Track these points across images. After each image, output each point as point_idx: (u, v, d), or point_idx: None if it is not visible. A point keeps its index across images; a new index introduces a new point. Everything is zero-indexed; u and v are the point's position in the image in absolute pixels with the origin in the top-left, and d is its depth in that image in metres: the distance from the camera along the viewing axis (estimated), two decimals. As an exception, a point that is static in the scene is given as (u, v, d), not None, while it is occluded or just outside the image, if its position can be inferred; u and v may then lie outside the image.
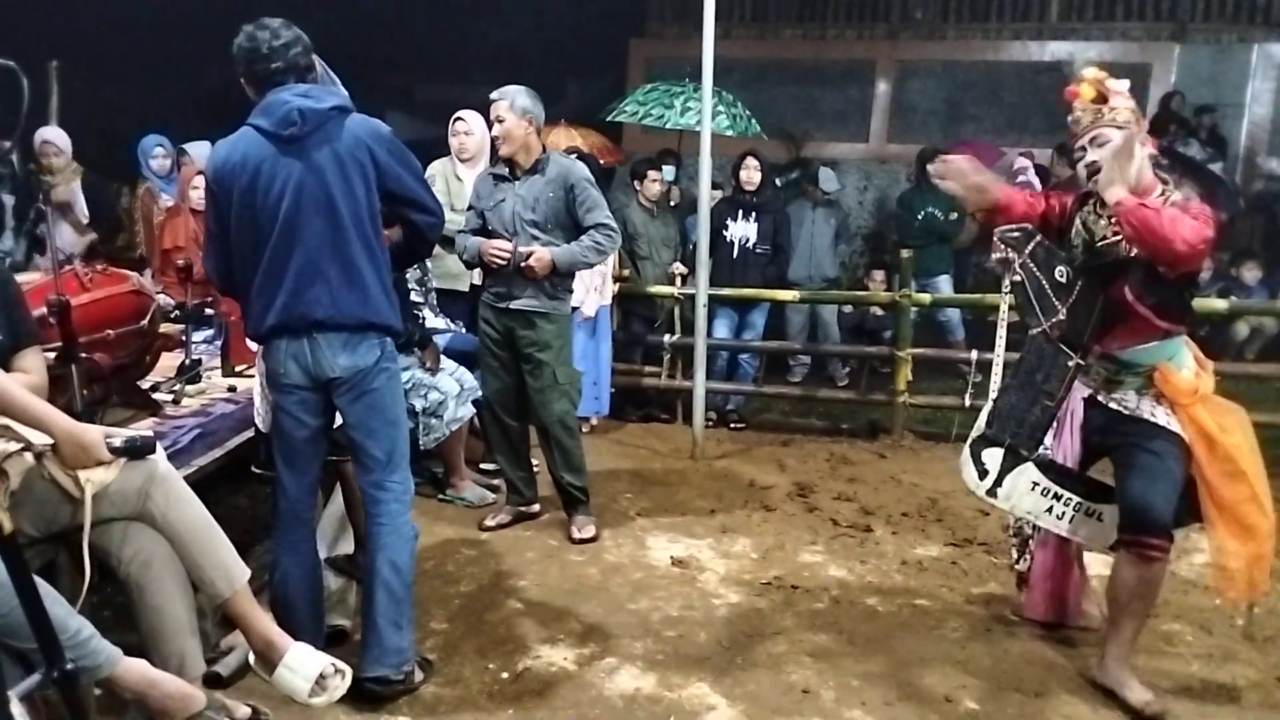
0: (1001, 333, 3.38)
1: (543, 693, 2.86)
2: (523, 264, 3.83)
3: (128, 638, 2.41)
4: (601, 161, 7.76)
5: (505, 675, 2.95)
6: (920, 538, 4.20)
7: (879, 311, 7.14)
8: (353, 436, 2.78)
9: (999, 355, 3.35)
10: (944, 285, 7.26)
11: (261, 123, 2.63)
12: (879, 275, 7.52)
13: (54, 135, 6.11)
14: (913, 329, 5.91)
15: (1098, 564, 3.40)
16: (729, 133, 7.06)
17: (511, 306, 3.95)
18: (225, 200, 2.68)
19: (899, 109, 10.28)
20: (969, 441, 3.16)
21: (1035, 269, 3.01)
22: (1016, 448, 3.06)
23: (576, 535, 4.02)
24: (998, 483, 3.09)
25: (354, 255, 2.64)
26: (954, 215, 7.30)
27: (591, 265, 4.08)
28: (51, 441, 2.23)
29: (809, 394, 6.54)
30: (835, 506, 4.57)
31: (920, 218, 7.35)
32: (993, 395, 3.21)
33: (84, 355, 2.89)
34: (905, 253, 5.89)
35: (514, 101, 3.84)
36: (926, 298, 6.23)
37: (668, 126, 7.07)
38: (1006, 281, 3.16)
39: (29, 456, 2.24)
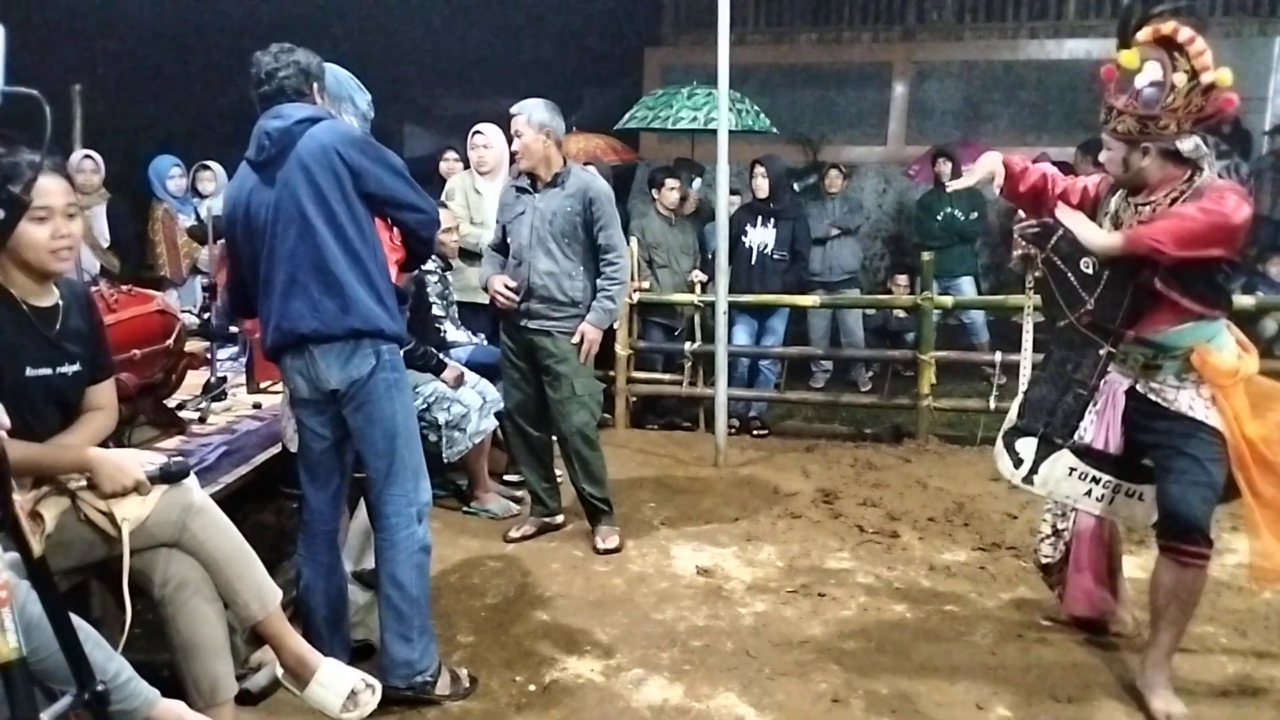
0: (1028, 327, 3.36)
1: (570, 704, 2.85)
2: (578, 344, 3.98)
3: (158, 656, 2.44)
4: (618, 159, 7.82)
5: (532, 687, 2.95)
6: (948, 543, 4.17)
7: (901, 314, 7.10)
8: (357, 447, 2.80)
9: (1026, 350, 3.32)
10: (966, 287, 7.24)
11: (248, 153, 2.72)
12: (903, 279, 7.48)
13: (94, 155, 6.24)
14: (936, 332, 5.88)
15: (1133, 568, 3.36)
16: (756, 128, 7.05)
17: (531, 325, 3.96)
18: (231, 235, 2.79)
19: (916, 110, 10.24)
20: (1001, 433, 3.13)
21: (1059, 263, 2.96)
22: (1050, 436, 3.03)
23: (600, 546, 4.02)
24: (1033, 470, 3.05)
25: (332, 264, 2.63)
26: (974, 215, 7.28)
27: (617, 305, 4.09)
28: (85, 482, 2.28)
29: (832, 399, 6.51)
30: (861, 512, 4.54)
31: (940, 219, 7.34)
32: (1022, 388, 3.18)
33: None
34: (926, 255, 5.86)
35: (531, 116, 3.85)
36: (949, 300, 6.20)
37: (671, 126, 7.07)
38: (1029, 278, 3.13)
39: (63, 497, 2.29)
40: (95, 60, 9.32)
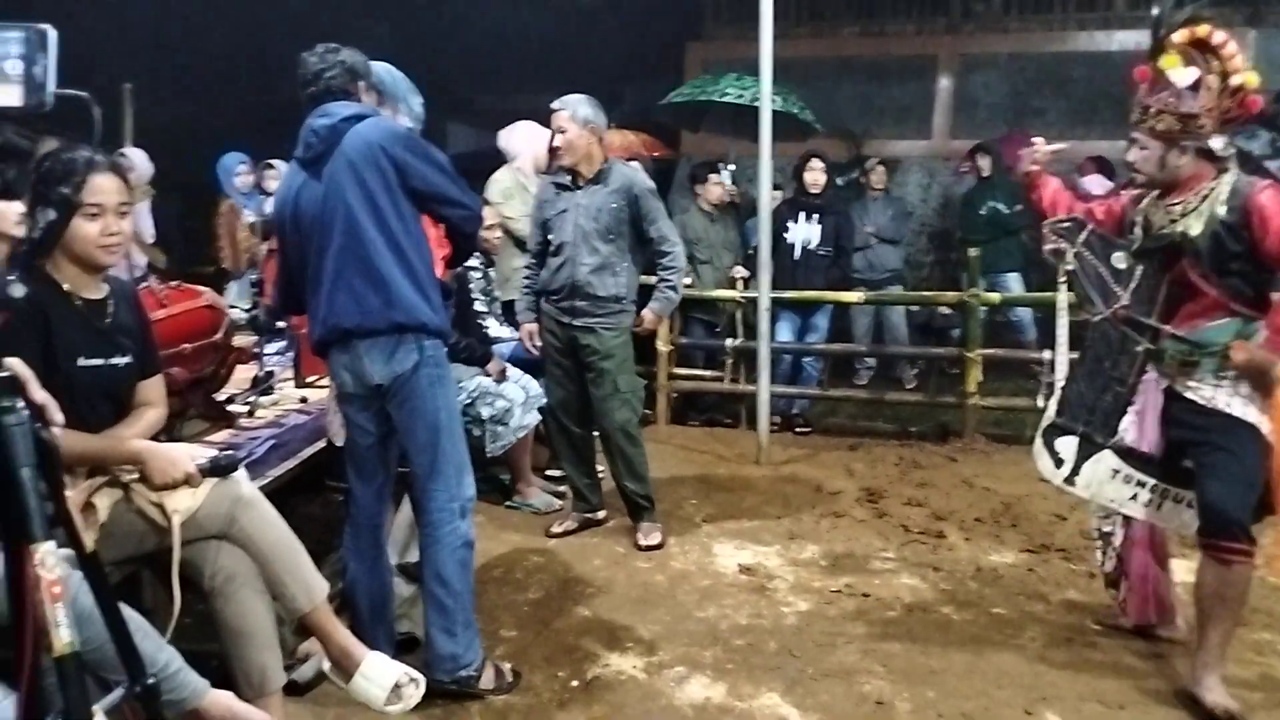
0: (1063, 321, 3.31)
1: (612, 701, 2.85)
2: (638, 329, 4.08)
3: (209, 646, 2.47)
4: (655, 155, 7.79)
5: (575, 683, 2.95)
6: (995, 544, 4.10)
7: (946, 311, 7.01)
8: (401, 443, 2.82)
9: (1061, 345, 3.28)
10: (1013, 283, 7.13)
11: (296, 151, 2.74)
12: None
13: (132, 155, 6.31)
14: (983, 329, 5.80)
15: (1184, 573, 3.28)
16: (815, 125, 6.97)
17: (575, 323, 3.97)
18: (281, 232, 2.82)
19: (962, 104, 10.08)
20: (1040, 430, 3.10)
21: (1091, 257, 2.95)
22: (1090, 435, 2.99)
23: (643, 542, 4.01)
24: (1075, 471, 3.02)
25: (377, 260, 2.64)
26: (1019, 208, 7.15)
27: (679, 294, 4.16)
28: (137, 474, 2.31)
29: (876, 396, 6.45)
30: (906, 512, 4.49)
31: (984, 213, 7.23)
32: (1059, 384, 3.14)
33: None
34: (972, 251, 5.77)
35: (576, 111, 3.85)
36: (995, 296, 6.10)
37: (716, 99, 6.99)
38: (1062, 272, 3.10)
39: (116, 489, 2.33)
40: (145, 59, 9.48)
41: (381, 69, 2.95)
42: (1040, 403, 5.43)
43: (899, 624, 3.36)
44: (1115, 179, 7.19)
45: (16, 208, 3.32)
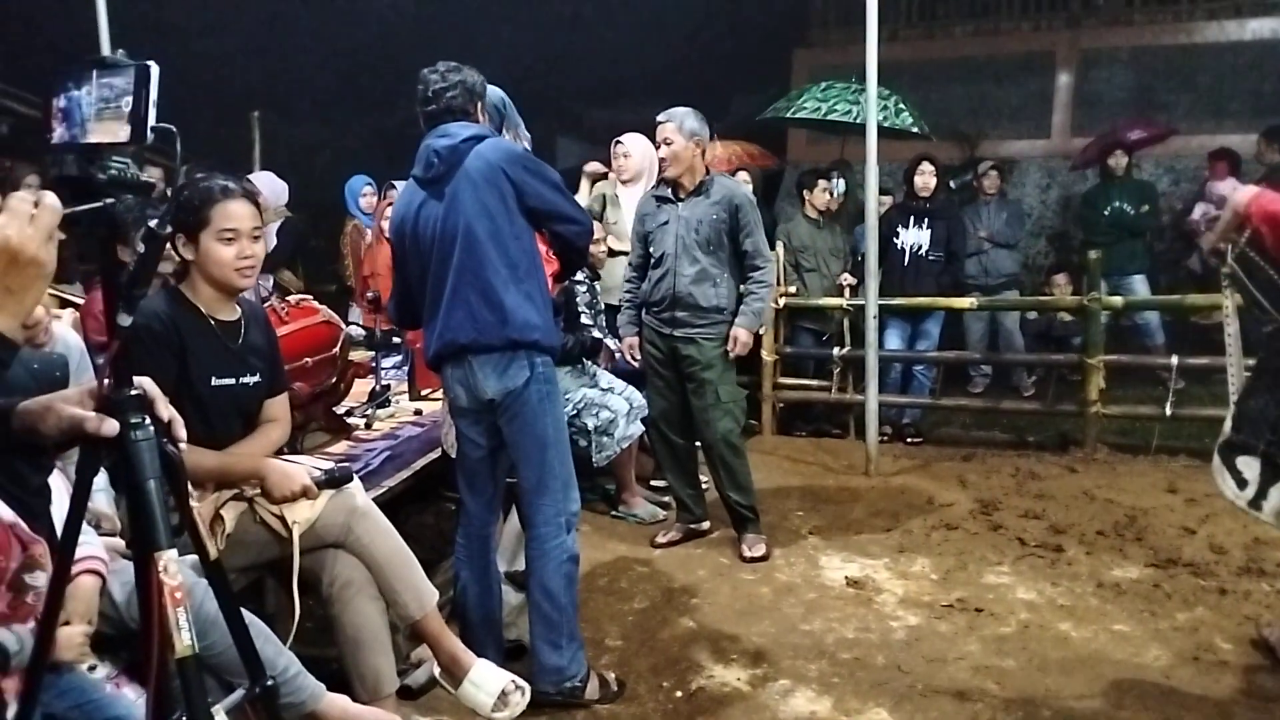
0: (1230, 329, 3.02)
1: (717, 713, 2.85)
2: (731, 351, 4.00)
3: (327, 650, 2.59)
4: (761, 166, 7.76)
5: (679, 694, 2.96)
6: (1118, 558, 3.94)
7: (1066, 317, 6.75)
8: (511, 457, 2.88)
9: (1232, 354, 3.02)
10: (1139, 286, 6.83)
11: (415, 171, 2.82)
12: (1061, 278, 7.11)
13: (259, 180, 6.62)
14: (1105, 334, 5.57)
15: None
16: (914, 129, 6.87)
17: (676, 333, 4.01)
18: (400, 249, 2.90)
19: (1082, 101, 9.73)
20: (1218, 447, 2.85)
21: (1255, 257, 2.68)
22: (1273, 456, 2.74)
23: (747, 554, 4.00)
24: (1261, 494, 2.77)
25: (493, 277, 2.70)
26: (1144, 208, 6.86)
27: (765, 308, 4.17)
28: (259, 489, 2.46)
29: (991, 405, 6.26)
30: (1022, 524, 4.34)
31: (1107, 214, 6.95)
32: (1233, 397, 2.91)
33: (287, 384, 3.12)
34: (1093, 253, 5.55)
35: (682, 124, 3.88)
36: (1118, 300, 5.85)
37: (858, 121, 6.91)
38: (1222, 275, 2.89)
39: (241, 502, 2.48)
40: (273, 85, 9.98)
41: (496, 93, 3.04)
42: (1168, 411, 5.20)
43: (1013, 640, 3.25)
44: (1241, 175, 6.83)
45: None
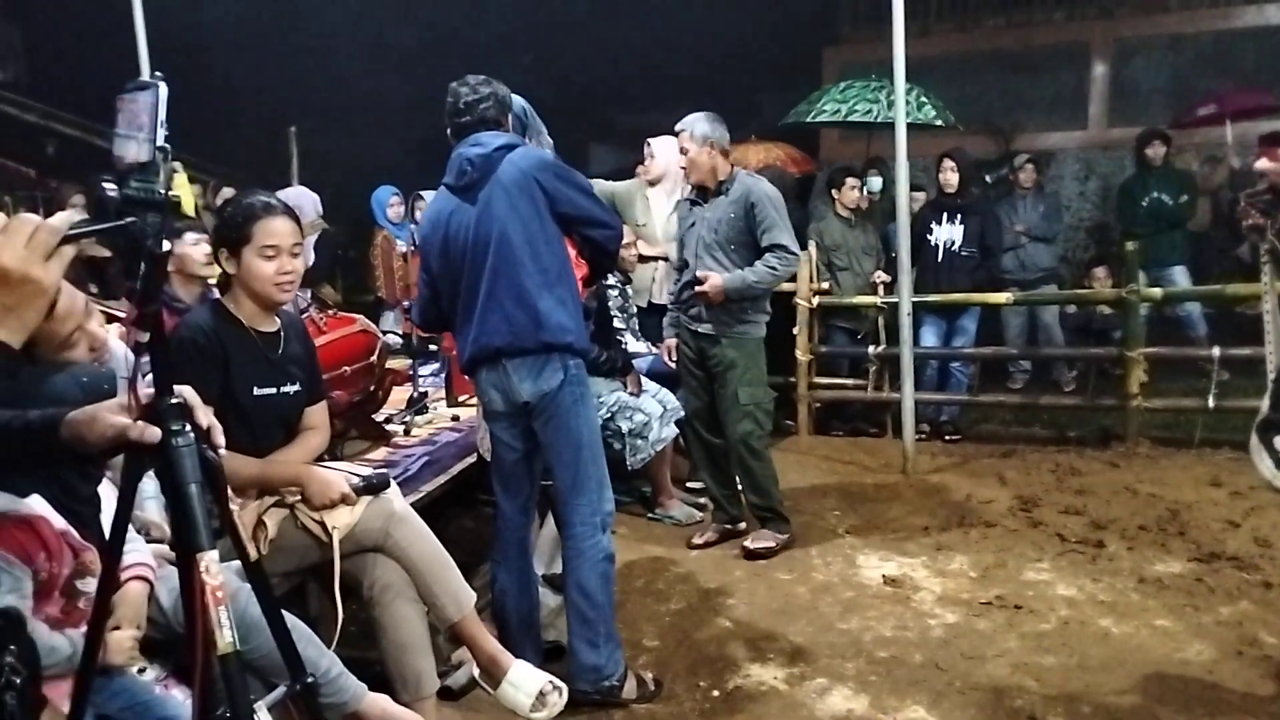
0: (1268, 305, 2.97)
1: (754, 711, 2.86)
2: (696, 289, 3.93)
3: (370, 652, 2.64)
4: (797, 172, 7.75)
5: (716, 693, 2.98)
6: (1160, 553, 3.89)
7: (1106, 310, 6.66)
8: (545, 459, 2.92)
9: (1271, 330, 2.97)
10: (1179, 277, 6.73)
11: (447, 179, 2.88)
12: (1100, 272, 7.03)
13: (291, 194, 6.75)
14: (1146, 326, 5.49)
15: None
16: (937, 122, 6.85)
17: (700, 330, 4.03)
18: (429, 256, 2.95)
19: (1119, 91, 9.61)
20: (1256, 425, 2.82)
21: None
22: None
23: (748, 544, 4.04)
24: None
25: (526, 282, 2.75)
26: (1184, 198, 6.75)
27: (765, 289, 3.99)
28: (299, 496, 2.53)
29: (1030, 401, 6.20)
30: (1062, 520, 4.30)
31: (1145, 204, 6.86)
32: (1271, 375, 2.86)
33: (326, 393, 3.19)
34: (1130, 244, 5.48)
35: (694, 130, 3.94)
36: (1158, 292, 5.76)
37: (878, 119, 6.91)
38: (1262, 253, 2.85)
39: (283, 509, 2.55)
40: (308, 102, 10.15)
41: (518, 102, 3.09)
42: (1211, 403, 5.13)
43: (1053, 637, 3.23)
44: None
45: (204, 249, 3.66)
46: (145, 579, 2.07)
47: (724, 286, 3.89)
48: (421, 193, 6.99)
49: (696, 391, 4.17)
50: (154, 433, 1.34)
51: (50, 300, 1.15)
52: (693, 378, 4.16)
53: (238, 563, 1.59)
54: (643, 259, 5.16)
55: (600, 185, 5.06)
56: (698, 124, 3.94)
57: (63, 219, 1.17)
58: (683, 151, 3.98)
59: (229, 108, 10.93)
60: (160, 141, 1.22)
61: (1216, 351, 5.24)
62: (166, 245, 1.22)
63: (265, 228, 2.50)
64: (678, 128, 4.02)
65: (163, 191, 1.21)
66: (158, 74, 1.25)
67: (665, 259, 5.24)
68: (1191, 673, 2.94)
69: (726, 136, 4.00)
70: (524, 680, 2.67)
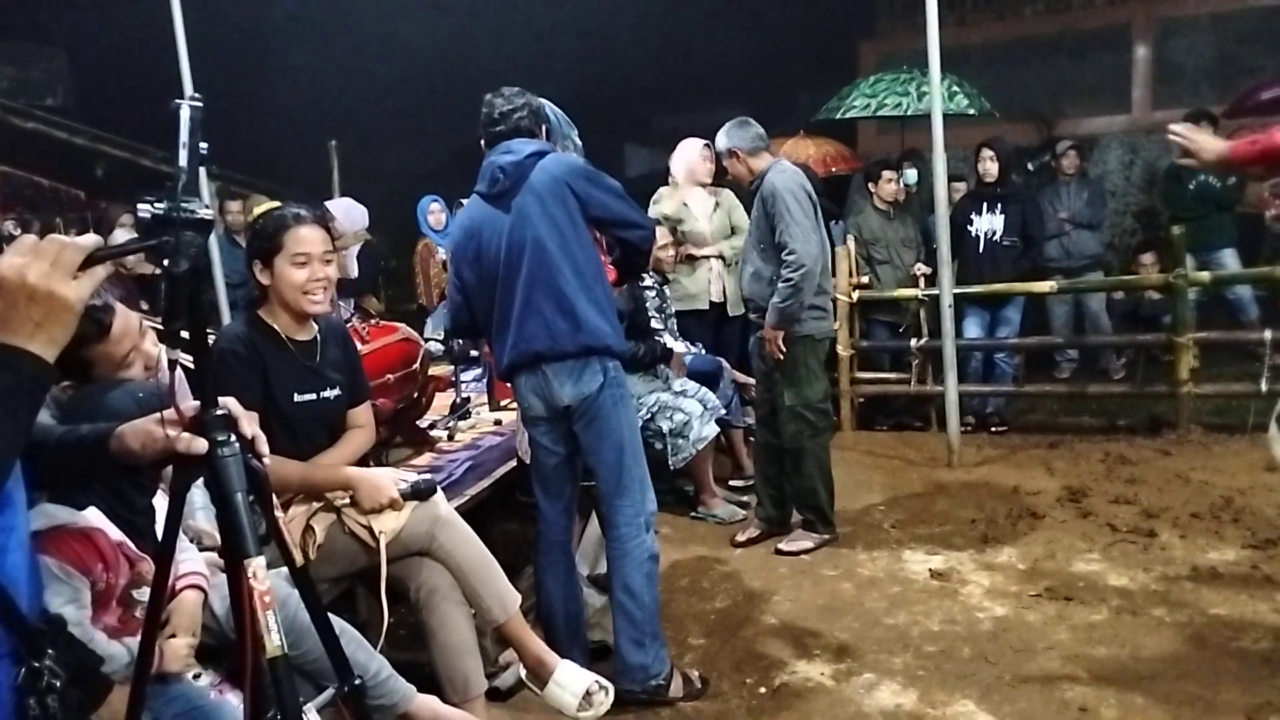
0: None
1: (801, 708, 2.86)
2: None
3: (420, 655, 2.69)
4: (834, 170, 7.71)
5: (763, 690, 2.99)
6: (1214, 541, 3.82)
7: (1155, 295, 6.54)
8: (587, 461, 2.94)
9: None
10: (1229, 259, 6.59)
11: (479, 187, 2.91)
12: (1147, 258, 6.90)
13: (332, 207, 6.81)
14: (1196, 310, 5.39)
15: None
16: (970, 111, 6.78)
17: (755, 333, 4.07)
18: (460, 263, 2.98)
19: (1163, 73, 9.40)
20: (1276, 414, 2.82)
21: None
22: None
23: (781, 546, 4.04)
24: None
25: (564, 286, 2.78)
26: (1232, 180, 6.60)
27: (798, 303, 3.84)
28: (348, 499, 2.56)
29: (1078, 390, 6.11)
30: (1113, 510, 4.24)
31: (1192, 187, 6.73)
32: None
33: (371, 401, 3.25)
34: (1176, 228, 5.38)
35: (718, 143, 4.05)
36: (1206, 276, 5.65)
37: (908, 113, 6.87)
38: None
39: (330, 513, 2.60)
40: (350, 114, 10.32)
41: (546, 107, 3.12)
42: (1264, 387, 5.02)
43: (1104, 628, 3.19)
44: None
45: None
46: (199, 587, 2.13)
47: (772, 327, 3.89)
48: (463, 200, 7.06)
49: (759, 388, 4.23)
50: (200, 444, 1.38)
51: (77, 317, 1.20)
52: (759, 374, 4.22)
53: (286, 569, 1.63)
54: (690, 259, 5.20)
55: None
56: (720, 138, 4.03)
57: (91, 239, 1.21)
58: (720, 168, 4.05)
59: (272, 123, 11.13)
60: (184, 162, 1.26)
61: (1268, 334, 5.12)
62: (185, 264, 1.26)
63: (296, 236, 2.55)
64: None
65: (192, 210, 1.25)
66: (195, 95, 1.30)
67: (720, 257, 5.28)
68: (1247, 662, 2.88)
69: (752, 134, 3.97)
70: (570, 680, 2.69)
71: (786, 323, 3.87)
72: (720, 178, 5.13)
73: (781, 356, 3.91)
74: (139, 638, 1.76)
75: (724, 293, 5.29)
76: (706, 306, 5.27)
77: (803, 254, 3.78)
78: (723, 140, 3.99)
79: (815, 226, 3.86)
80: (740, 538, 4.22)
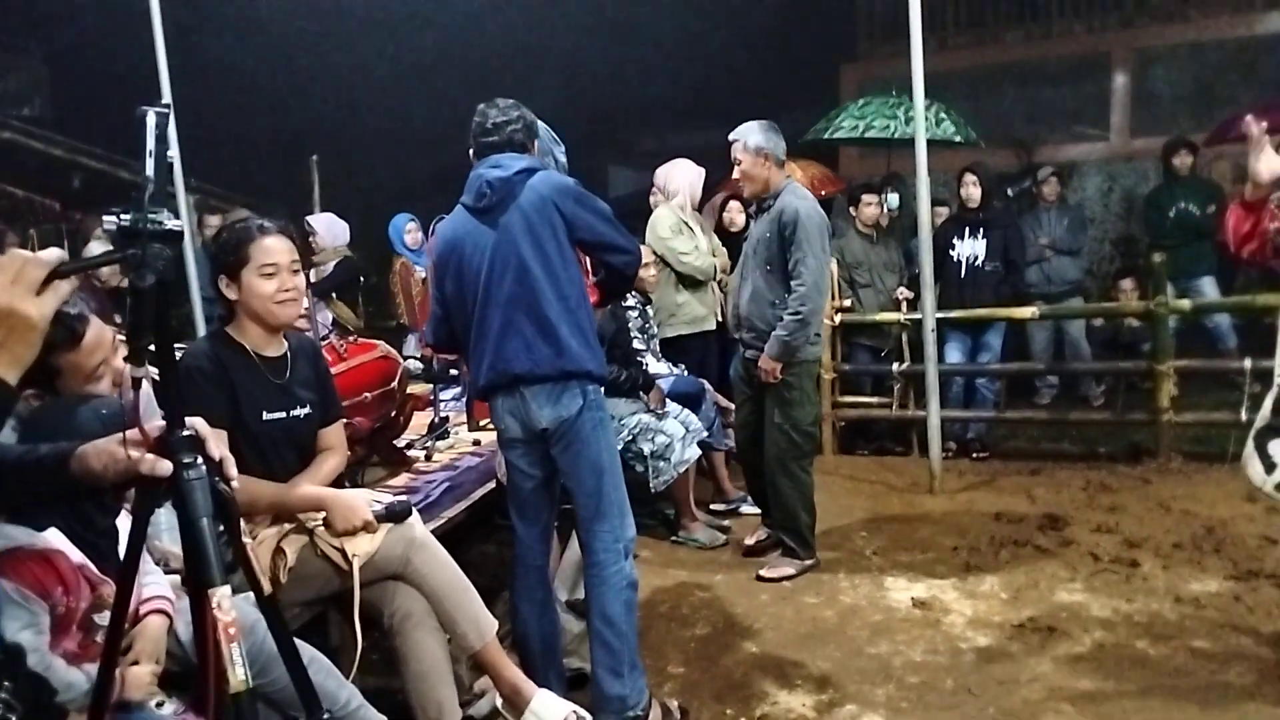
0: None
1: (782, 740, 2.81)
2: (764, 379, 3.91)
3: (394, 682, 2.61)
4: (824, 193, 7.72)
5: (743, 721, 2.93)
6: (1196, 571, 3.80)
7: (1134, 322, 6.57)
8: (565, 485, 2.88)
9: None
10: (1207, 288, 6.63)
11: (465, 199, 2.85)
12: (1127, 284, 6.94)
13: (315, 221, 6.75)
14: (1176, 338, 5.40)
15: None
16: (957, 139, 6.81)
17: (747, 356, 4.03)
18: (442, 275, 2.91)
19: (1141, 101, 9.51)
20: (1253, 434, 2.81)
21: None
22: None
23: (763, 572, 3.98)
24: None
25: (546, 309, 2.72)
26: (1211, 209, 6.66)
27: (805, 339, 3.86)
28: (321, 520, 2.49)
29: (1059, 417, 6.11)
30: (1094, 539, 4.21)
31: (1172, 215, 6.78)
32: (1278, 380, 2.84)
33: (346, 420, 3.18)
34: (1157, 256, 5.40)
35: (747, 141, 3.85)
36: (1186, 304, 5.68)
37: (895, 136, 6.89)
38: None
39: (302, 535, 2.53)
40: (330, 132, 10.26)
41: (538, 123, 3.08)
42: (1244, 416, 5.02)
43: (1088, 660, 3.15)
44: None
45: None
46: (164, 612, 2.06)
47: (772, 358, 3.84)
48: (443, 217, 7.00)
49: (743, 407, 4.19)
50: (165, 466, 1.32)
51: (42, 334, 1.14)
52: (740, 392, 4.18)
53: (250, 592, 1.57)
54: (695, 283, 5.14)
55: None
56: (751, 134, 3.83)
57: (54, 254, 1.16)
58: (737, 162, 3.88)
59: (251, 138, 11.06)
60: (151, 171, 1.21)
61: (1248, 363, 5.14)
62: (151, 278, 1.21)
63: (261, 247, 2.50)
64: (731, 137, 3.90)
65: (160, 221, 1.20)
66: (164, 102, 1.25)
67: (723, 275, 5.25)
68: (1231, 696, 2.85)
69: (783, 147, 3.89)
70: (547, 710, 2.62)
71: (788, 355, 3.84)
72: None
73: (775, 382, 3.88)
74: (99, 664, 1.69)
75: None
76: (714, 326, 5.24)
77: (813, 288, 3.75)
78: (758, 139, 3.83)
79: (828, 260, 3.82)
80: (750, 541, 4.24)
